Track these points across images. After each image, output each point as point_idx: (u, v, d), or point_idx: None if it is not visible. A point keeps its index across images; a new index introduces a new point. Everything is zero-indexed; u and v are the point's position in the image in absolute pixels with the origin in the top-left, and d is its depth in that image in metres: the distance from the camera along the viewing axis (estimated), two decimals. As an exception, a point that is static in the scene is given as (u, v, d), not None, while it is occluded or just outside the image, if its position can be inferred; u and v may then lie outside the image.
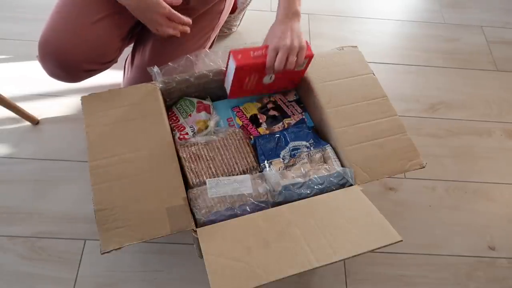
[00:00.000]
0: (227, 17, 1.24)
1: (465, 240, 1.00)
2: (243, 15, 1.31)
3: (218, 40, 1.31)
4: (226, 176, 0.76)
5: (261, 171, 0.78)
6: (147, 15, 0.80)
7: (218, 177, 0.75)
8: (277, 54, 0.74)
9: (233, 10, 1.23)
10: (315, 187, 0.72)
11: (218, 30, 1.07)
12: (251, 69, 0.76)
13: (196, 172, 0.75)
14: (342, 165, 0.78)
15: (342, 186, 0.73)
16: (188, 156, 0.76)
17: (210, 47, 1.10)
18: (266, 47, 0.76)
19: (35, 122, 1.06)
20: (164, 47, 0.93)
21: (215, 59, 0.87)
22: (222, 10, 1.00)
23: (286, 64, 0.75)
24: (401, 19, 1.49)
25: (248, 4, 1.26)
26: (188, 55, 0.85)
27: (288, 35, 0.75)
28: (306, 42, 0.78)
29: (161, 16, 0.80)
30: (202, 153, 0.77)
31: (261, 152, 0.80)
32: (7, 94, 0.98)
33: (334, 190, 0.72)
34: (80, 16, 0.80)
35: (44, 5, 1.32)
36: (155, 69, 0.81)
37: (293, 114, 0.89)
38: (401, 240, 0.64)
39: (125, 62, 1.02)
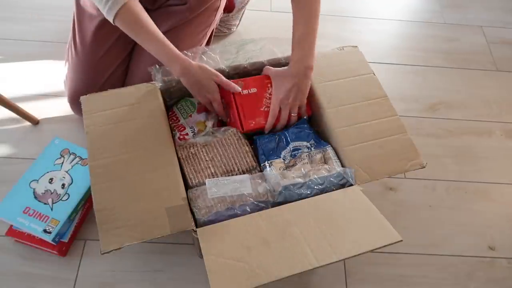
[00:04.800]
0: (226, 17, 1.25)
1: (465, 240, 1.00)
2: (242, 14, 1.30)
3: (218, 40, 1.31)
4: (226, 176, 0.75)
5: (261, 171, 0.78)
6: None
7: (217, 177, 0.75)
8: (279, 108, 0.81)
9: (231, 9, 1.23)
10: (315, 187, 0.72)
11: (214, 27, 1.07)
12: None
13: (195, 173, 0.75)
14: (343, 166, 0.77)
15: (342, 186, 0.73)
16: (187, 156, 0.76)
17: (207, 44, 1.11)
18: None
19: (35, 122, 1.06)
20: None
21: (213, 56, 0.87)
22: (218, 7, 1.01)
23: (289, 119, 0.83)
24: (401, 19, 1.49)
25: (247, 3, 1.25)
26: (185, 51, 0.85)
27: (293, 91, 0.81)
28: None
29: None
30: (201, 154, 0.77)
31: (262, 152, 0.80)
32: (7, 94, 0.98)
33: (334, 190, 0.72)
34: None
35: (44, 5, 1.32)
36: (156, 68, 0.81)
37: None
38: (401, 240, 0.64)
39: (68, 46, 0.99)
